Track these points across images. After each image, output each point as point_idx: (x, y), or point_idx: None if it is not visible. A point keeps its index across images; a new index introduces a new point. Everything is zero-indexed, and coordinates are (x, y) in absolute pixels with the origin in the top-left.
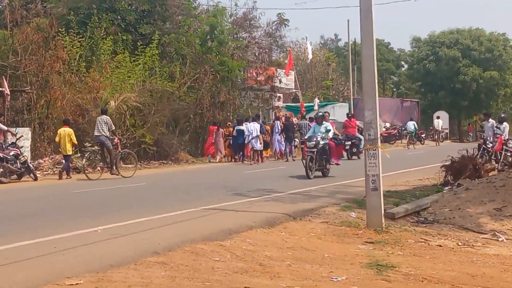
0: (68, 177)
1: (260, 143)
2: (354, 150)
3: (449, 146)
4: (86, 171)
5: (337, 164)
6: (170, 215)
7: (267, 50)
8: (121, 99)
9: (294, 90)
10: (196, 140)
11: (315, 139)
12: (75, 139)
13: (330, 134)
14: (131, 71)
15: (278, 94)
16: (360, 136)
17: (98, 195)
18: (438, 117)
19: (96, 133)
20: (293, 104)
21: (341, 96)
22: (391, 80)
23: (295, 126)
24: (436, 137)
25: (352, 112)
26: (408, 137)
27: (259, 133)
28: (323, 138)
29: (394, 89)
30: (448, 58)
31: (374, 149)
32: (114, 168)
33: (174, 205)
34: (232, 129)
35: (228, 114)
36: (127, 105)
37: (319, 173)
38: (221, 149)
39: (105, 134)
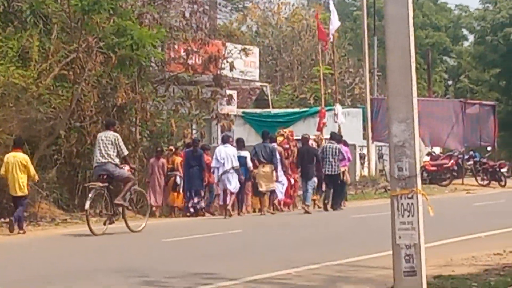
0: (21, 231)
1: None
2: None
3: None
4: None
5: None
6: None
7: (207, 8)
8: None
9: (258, 84)
10: (70, 180)
11: None
12: (32, 170)
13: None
14: None
15: (229, 91)
16: None
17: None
18: None
19: (98, 160)
20: (258, 111)
21: (348, 96)
22: (444, 65)
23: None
24: None
25: (370, 124)
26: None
27: (237, 164)
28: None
29: (449, 82)
30: None
31: (409, 195)
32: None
33: None
34: (179, 156)
35: (133, 129)
36: None
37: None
38: (158, 194)
39: (113, 161)
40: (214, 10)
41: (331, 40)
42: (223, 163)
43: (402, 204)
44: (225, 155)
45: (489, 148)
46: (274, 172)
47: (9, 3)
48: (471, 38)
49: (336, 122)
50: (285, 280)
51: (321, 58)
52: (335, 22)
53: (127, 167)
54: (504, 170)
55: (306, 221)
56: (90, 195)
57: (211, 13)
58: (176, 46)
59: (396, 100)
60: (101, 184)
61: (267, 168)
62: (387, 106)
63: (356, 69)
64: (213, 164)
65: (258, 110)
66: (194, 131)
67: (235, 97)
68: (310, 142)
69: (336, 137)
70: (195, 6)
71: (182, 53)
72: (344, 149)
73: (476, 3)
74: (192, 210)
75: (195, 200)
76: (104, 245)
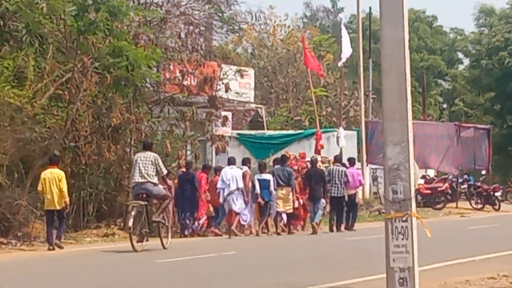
0: (58, 244)
1: (246, 201)
2: None
3: None
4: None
5: None
6: None
7: (203, 29)
8: None
9: (253, 105)
10: None
11: None
12: (65, 186)
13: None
14: None
15: (224, 113)
16: None
17: None
18: None
19: (137, 179)
20: (252, 132)
21: (343, 118)
22: (439, 89)
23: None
24: None
25: (365, 146)
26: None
27: (241, 185)
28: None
29: (444, 105)
30: None
31: (404, 218)
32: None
33: None
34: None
35: (128, 149)
36: None
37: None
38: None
39: (152, 181)
40: (210, 32)
41: (343, 63)
42: (229, 184)
43: (396, 227)
44: (231, 176)
45: (483, 172)
46: (291, 195)
47: (5, 22)
48: (466, 61)
49: (338, 145)
50: None
51: (312, 80)
52: (347, 49)
53: (161, 186)
54: (498, 194)
55: (300, 243)
56: (132, 213)
57: (206, 34)
58: (171, 67)
59: (391, 123)
60: (142, 203)
61: (285, 191)
62: (383, 129)
63: (351, 92)
64: (219, 185)
65: (252, 132)
66: (188, 152)
67: (230, 118)
68: (318, 163)
69: (338, 159)
70: (191, 27)
71: (178, 74)
72: (356, 172)
73: (471, 26)
74: (186, 231)
75: (188, 221)
76: (97, 265)
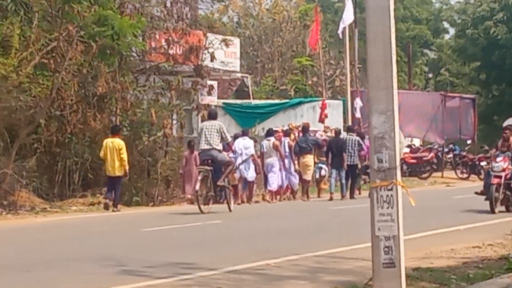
0: (115, 209)
1: (259, 172)
2: None
3: None
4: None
5: None
6: None
7: None
8: None
9: (239, 75)
10: (50, 169)
11: None
12: (125, 155)
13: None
14: None
15: (210, 82)
16: None
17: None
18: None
19: (203, 146)
20: (238, 102)
21: (329, 87)
22: (425, 58)
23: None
24: None
25: (350, 116)
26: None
27: (252, 152)
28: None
29: (430, 75)
30: None
31: (389, 187)
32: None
33: None
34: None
35: (114, 118)
36: None
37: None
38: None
39: (217, 148)
40: (196, 0)
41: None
42: (241, 153)
43: (381, 195)
44: (243, 146)
45: (468, 141)
46: (312, 162)
47: None
48: (451, 31)
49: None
50: (265, 271)
51: (321, 50)
52: (348, 17)
53: (226, 153)
54: (483, 163)
55: (285, 212)
56: (199, 177)
57: (192, 3)
58: (157, 36)
59: (376, 92)
60: (207, 168)
61: (308, 158)
62: (368, 98)
63: (337, 61)
64: (232, 154)
65: (238, 101)
66: (174, 122)
67: (216, 87)
68: (320, 133)
69: (351, 128)
70: None
71: (163, 43)
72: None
73: None
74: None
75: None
76: (79, 233)
